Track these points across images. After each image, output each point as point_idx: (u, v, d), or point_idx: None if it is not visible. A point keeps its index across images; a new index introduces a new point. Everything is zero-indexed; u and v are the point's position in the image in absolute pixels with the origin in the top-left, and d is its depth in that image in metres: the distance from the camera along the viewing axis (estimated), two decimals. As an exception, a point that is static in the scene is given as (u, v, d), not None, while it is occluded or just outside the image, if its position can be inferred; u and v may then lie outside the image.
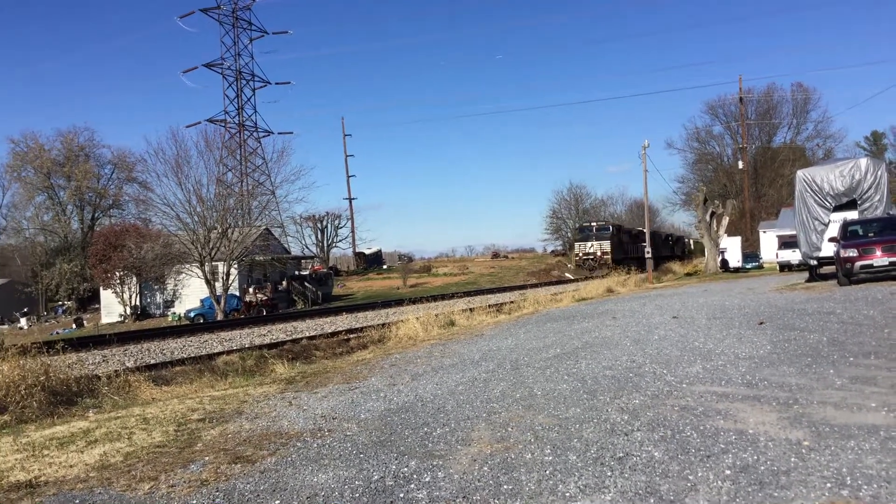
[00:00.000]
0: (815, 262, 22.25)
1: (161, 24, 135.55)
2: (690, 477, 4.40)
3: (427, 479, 4.74)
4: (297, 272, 52.17)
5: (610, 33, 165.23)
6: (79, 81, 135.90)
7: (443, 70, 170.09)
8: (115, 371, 11.29)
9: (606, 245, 55.33)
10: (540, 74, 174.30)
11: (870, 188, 21.40)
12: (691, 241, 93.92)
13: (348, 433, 6.22)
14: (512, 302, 24.56)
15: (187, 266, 39.21)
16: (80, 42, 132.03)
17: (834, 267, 20.14)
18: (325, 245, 77.59)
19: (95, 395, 9.84)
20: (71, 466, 5.75)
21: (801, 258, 25.15)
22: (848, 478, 4.21)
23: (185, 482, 5.03)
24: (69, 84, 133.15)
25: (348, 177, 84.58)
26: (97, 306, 51.32)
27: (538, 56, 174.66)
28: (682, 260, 73.50)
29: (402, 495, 4.48)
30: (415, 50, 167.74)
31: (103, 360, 13.68)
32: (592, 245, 55.81)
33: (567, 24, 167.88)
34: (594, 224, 59.08)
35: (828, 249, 20.93)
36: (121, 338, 18.25)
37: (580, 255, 56.81)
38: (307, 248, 73.77)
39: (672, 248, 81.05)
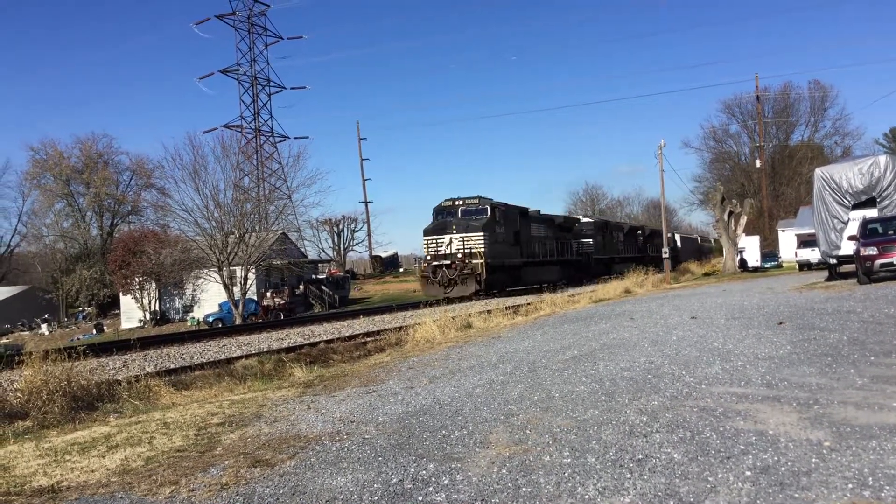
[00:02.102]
0: (834, 261, 22.07)
1: (177, 30, 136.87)
2: (710, 478, 4.38)
3: (445, 482, 4.75)
4: (313, 276, 52.38)
5: (624, 33, 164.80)
6: (96, 88, 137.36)
7: (457, 72, 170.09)
8: (136, 376, 11.39)
9: (476, 241, 31.76)
10: (554, 75, 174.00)
11: (889, 185, 21.19)
12: (677, 237, 73.51)
13: (367, 436, 6.24)
14: (529, 304, 24.50)
15: (206, 271, 39.55)
16: (96, 49, 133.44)
17: (854, 265, 19.99)
18: (342, 249, 77.78)
19: (116, 400, 9.93)
20: (93, 471, 5.80)
21: (820, 257, 24.94)
22: (870, 478, 4.17)
23: (205, 486, 5.07)
24: (86, 91, 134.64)
25: (364, 180, 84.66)
26: (117, 312, 51.75)
27: (553, 57, 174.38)
28: (659, 263, 45.19)
29: (420, 498, 4.49)
30: (429, 53, 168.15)
31: (123, 366, 13.79)
32: (452, 241, 31.92)
33: (581, 25, 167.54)
34: (459, 203, 33.57)
35: (847, 248, 20.75)
36: (141, 343, 18.40)
37: (428, 257, 32.71)
38: (324, 251, 73.98)
39: (644, 247, 60.61)
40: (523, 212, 37.95)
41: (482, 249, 31.75)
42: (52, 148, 64.99)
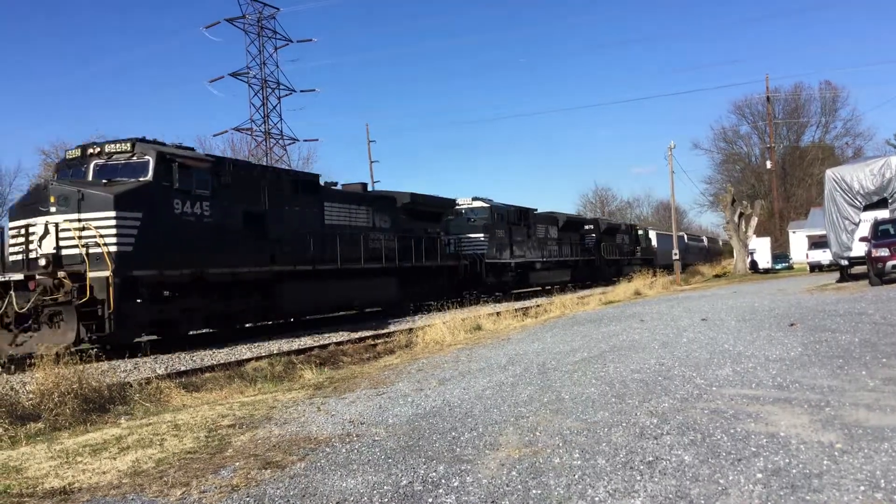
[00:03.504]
0: (845, 263, 21.97)
1: (186, 34, 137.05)
2: (721, 481, 4.37)
3: (455, 484, 4.75)
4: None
5: (632, 34, 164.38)
6: (106, 91, 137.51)
7: (467, 74, 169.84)
8: (147, 378, 11.41)
9: (102, 227, 13.83)
10: (563, 77, 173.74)
11: (901, 186, 21.07)
12: (652, 235, 60.15)
13: (376, 438, 6.25)
14: (538, 305, 24.47)
15: (215, 273, 39.59)
16: (106, 53, 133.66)
17: (865, 267, 19.90)
18: (351, 251, 77.59)
19: (127, 402, 9.96)
20: (104, 473, 5.83)
21: (831, 258, 24.84)
22: (882, 480, 4.16)
23: (216, 487, 5.09)
24: (96, 94, 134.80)
25: (373, 182, 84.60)
26: (128, 314, 51.97)
27: (561, 59, 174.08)
28: (614, 270, 35.81)
29: (430, 500, 4.49)
30: (438, 55, 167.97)
31: (135, 368, 13.82)
32: (48, 231, 13.84)
33: (587, 26, 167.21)
34: (93, 152, 15.24)
35: (859, 249, 20.67)
36: (152, 345, 18.45)
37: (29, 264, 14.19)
38: (333, 254, 73.91)
39: (596, 248, 44.37)
40: (307, 182, 20.69)
41: (114, 248, 14.13)
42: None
